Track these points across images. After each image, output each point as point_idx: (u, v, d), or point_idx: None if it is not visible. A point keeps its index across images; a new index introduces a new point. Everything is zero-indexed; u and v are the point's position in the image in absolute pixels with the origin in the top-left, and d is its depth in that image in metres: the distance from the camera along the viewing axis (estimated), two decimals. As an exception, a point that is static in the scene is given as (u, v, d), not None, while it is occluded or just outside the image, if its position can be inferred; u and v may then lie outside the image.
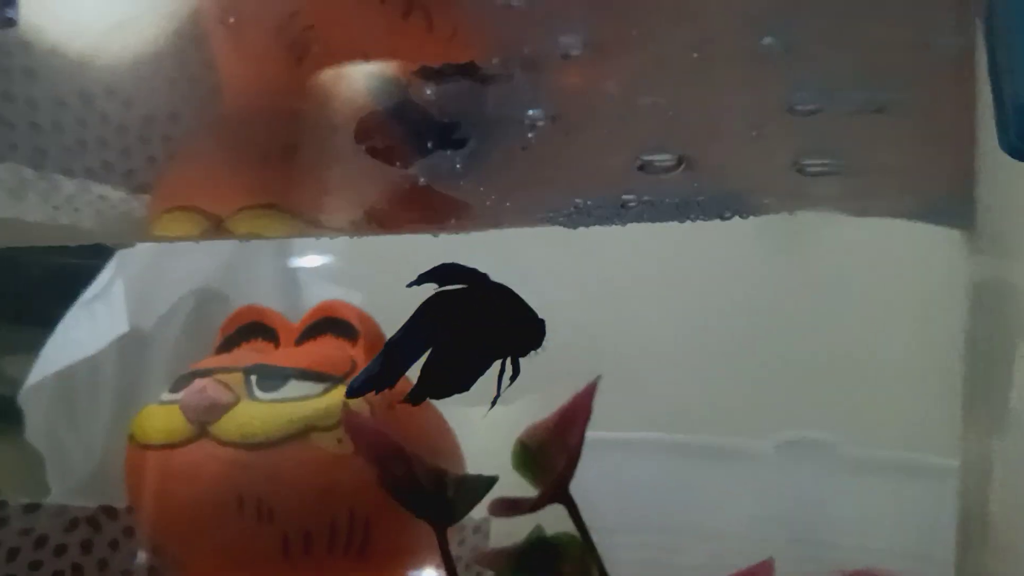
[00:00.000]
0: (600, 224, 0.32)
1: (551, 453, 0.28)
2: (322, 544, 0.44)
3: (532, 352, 0.30)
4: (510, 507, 0.29)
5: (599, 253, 0.35)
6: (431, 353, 0.31)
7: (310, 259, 0.60)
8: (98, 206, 0.47)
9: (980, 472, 0.28)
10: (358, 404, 0.40)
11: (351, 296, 0.53)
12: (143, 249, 0.57)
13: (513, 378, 0.30)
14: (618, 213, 0.31)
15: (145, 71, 0.42)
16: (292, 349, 0.49)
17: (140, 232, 0.46)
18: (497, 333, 0.29)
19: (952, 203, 0.29)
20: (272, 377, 0.45)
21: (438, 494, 0.31)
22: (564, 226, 0.32)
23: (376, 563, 0.45)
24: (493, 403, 0.30)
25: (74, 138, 0.44)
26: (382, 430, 0.32)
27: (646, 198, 0.30)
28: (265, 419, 0.44)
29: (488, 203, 0.33)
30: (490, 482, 0.31)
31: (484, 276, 0.31)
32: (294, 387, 0.45)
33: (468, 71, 0.30)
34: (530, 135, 0.28)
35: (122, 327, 0.53)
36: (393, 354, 0.31)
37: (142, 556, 0.48)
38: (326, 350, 0.48)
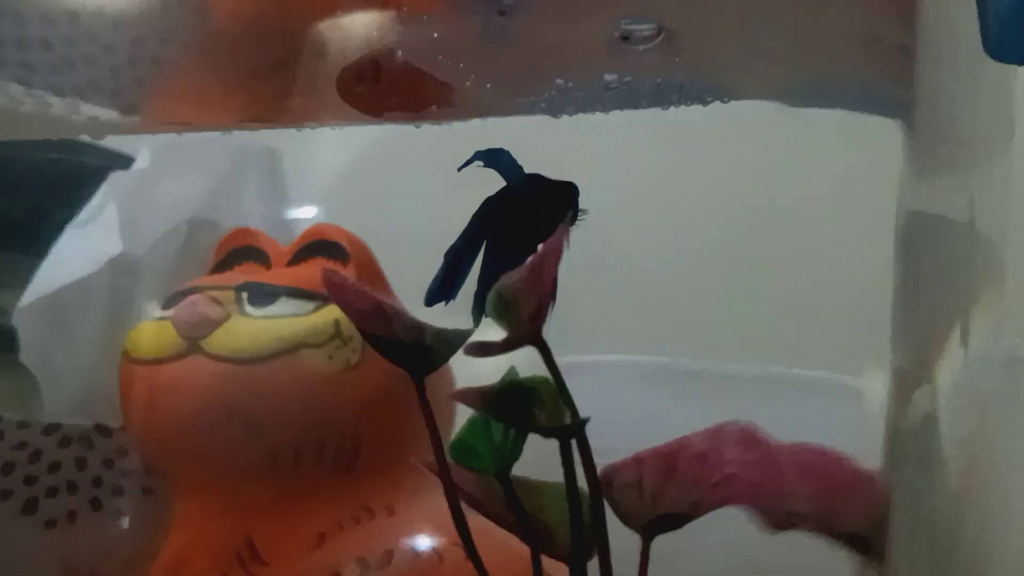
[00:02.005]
0: (583, 111, 0.32)
1: (523, 298, 0.29)
2: (310, 459, 0.45)
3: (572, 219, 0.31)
4: (482, 348, 0.30)
5: (583, 149, 0.35)
6: (485, 251, 0.32)
7: (302, 190, 0.61)
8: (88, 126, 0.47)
9: (908, 390, 0.29)
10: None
11: (347, 226, 0.53)
12: (135, 173, 0.57)
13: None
14: (600, 98, 0.31)
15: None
16: (283, 270, 0.49)
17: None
18: (539, 217, 0.30)
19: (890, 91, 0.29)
20: (263, 294, 0.46)
21: (416, 343, 0.31)
22: (547, 114, 0.32)
23: (364, 480, 0.46)
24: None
25: (62, 56, 0.44)
26: (360, 287, 0.32)
27: (627, 79, 0.30)
28: (255, 335, 0.44)
29: (468, 84, 0.33)
30: (467, 333, 0.31)
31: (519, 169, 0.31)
32: (285, 304, 0.46)
33: None
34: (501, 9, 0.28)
35: (115, 248, 0.53)
36: (452, 261, 0.32)
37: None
38: (317, 270, 0.48)
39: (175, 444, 0.45)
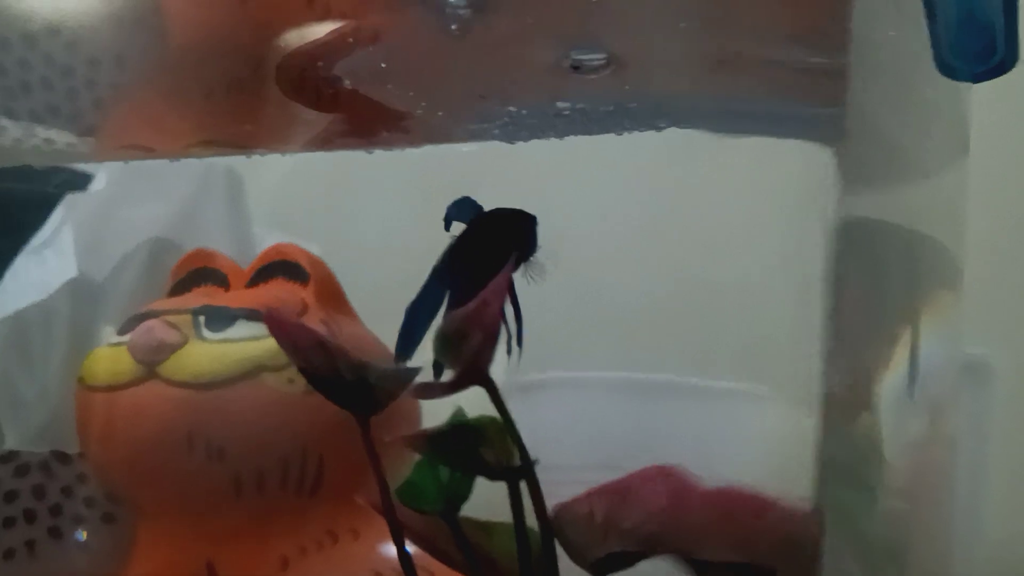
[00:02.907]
0: (537, 137, 0.32)
1: (469, 337, 0.28)
2: (274, 483, 0.44)
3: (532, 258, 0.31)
4: (428, 390, 0.29)
5: (540, 174, 0.35)
6: (448, 302, 0.32)
7: (266, 211, 0.60)
8: (45, 149, 0.47)
9: (840, 408, 0.29)
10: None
11: (308, 247, 0.53)
12: (92, 196, 0.56)
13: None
14: (553, 124, 0.31)
15: (89, 12, 0.42)
16: (242, 291, 0.49)
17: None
18: (500, 255, 0.30)
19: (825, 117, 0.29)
20: (221, 317, 0.45)
21: (360, 382, 0.31)
22: (501, 140, 0.32)
23: (328, 503, 0.45)
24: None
25: (17, 80, 0.44)
26: (302, 323, 0.32)
27: (580, 105, 0.30)
28: (214, 358, 0.44)
29: (419, 111, 0.33)
30: (413, 372, 0.31)
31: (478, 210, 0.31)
32: (243, 327, 0.45)
33: None
34: (453, 26, 0.27)
35: (71, 271, 0.52)
36: (410, 315, 0.32)
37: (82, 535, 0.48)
38: (276, 292, 0.48)
39: (134, 471, 0.44)
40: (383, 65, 0.31)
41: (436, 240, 0.35)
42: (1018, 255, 0.52)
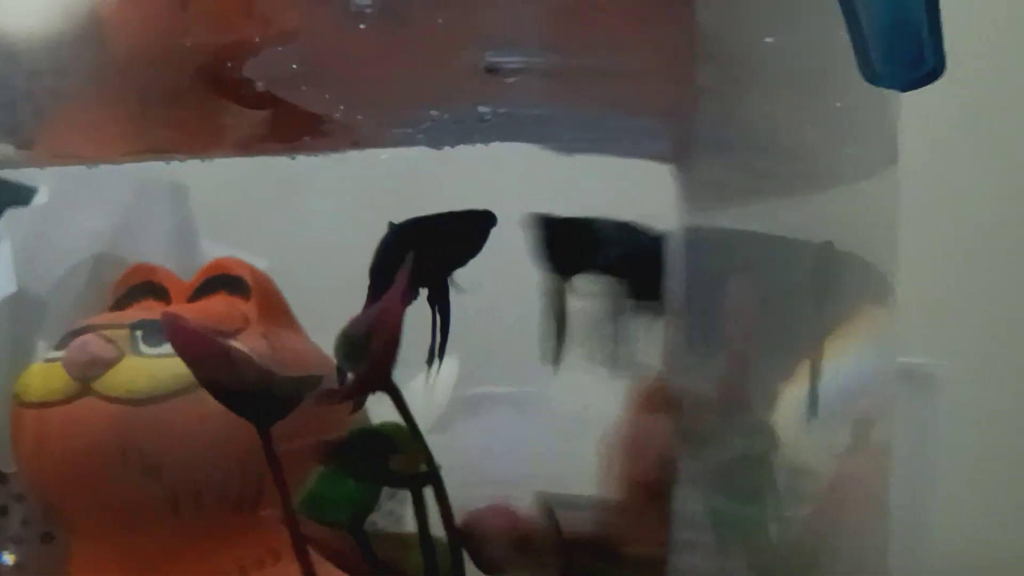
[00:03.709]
0: (463, 143, 0.31)
1: (371, 341, 0.28)
2: (213, 500, 0.43)
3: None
4: (330, 396, 0.29)
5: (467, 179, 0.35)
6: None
7: (211, 223, 0.60)
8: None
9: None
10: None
11: (255, 261, 0.52)
12: (31, 210, 0.55)
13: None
14: (478, 128, 0.31)
15: (28, 24, 0.41)
16: (183, 306, 0.48)
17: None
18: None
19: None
20: (158, 332, 0.44)
21: (262, 392, 0.30)
22: (427, 145, 0.32)
23: (271, 520, 0.45)
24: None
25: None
26: (201, 331, 0.31)
27: (503, 110, 0.30)
28: (151, 373, 0.43)
29: (338, 114, 0.33)
30: (316, 380, 0.30)
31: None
32: (182, 342, 0.44)
33: None
34: (361, 25, 0.27)
35: (9, 287, 0.51)
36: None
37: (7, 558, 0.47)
38: (217, 307, 0.47)
39: (67, 488, 0.43)
40: (294, 67, 0.30)
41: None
42: (957, 262, 0.52)
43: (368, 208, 0.35)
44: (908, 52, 0.30)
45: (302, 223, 0.51)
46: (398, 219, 0.32)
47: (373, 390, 0.29)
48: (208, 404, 0.43)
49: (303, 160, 0.42)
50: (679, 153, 0.27)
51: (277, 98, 0.32)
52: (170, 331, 0.32)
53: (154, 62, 0.41)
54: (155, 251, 0.55)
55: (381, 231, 0.32)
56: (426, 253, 0.29)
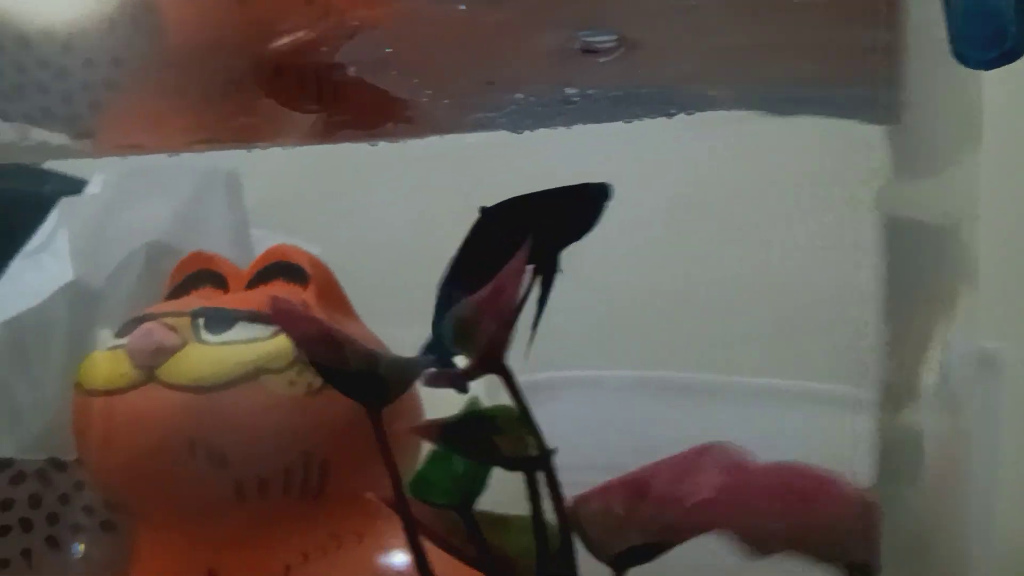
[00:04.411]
0: (544, 126, 0.31)
1: (484, 324, 0.27)
2: (277, 488, 0.43)
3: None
4: (442, 378, 0.28)
5: (548, 163, 0.35)
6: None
7: (264, 212, 0.60)
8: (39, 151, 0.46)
9: (900, 403, 0.28)
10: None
11: (309, 248, 0.52)
12: (89, 199, 0.55)
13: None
14: (561, 111, 0.30)
15: (84, 14, 0.41)
16: (242, 293, 0.48)
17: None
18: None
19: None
20: (220, 320, 0.44)
21: (370, 373, 0.30)
22: (508, 130, 0.31)
23: (332, 507, 0.45)
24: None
25: (11, 83, 0.43)
26: (309, 314, 0.31)
27: (590, 91, 0.29)
28: (214, 361, 0.43)
29: (424, 98, 0.32)
30: (425, 362, 0.30)
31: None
32: (243, 330, 0.44)
33: None
34: (462, 6, 0.27)
35: (67, 275, 0.51)
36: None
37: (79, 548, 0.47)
38: (276, 293, 0.47)
39: (133, 478, 0.43)
40: (388, 51, 0.30)
41: (439, 237, 0.34)
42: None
43: (434, 195, 0.35)
44: (987, 30, 0.29)
45: (362, 212, 0.51)
46: (471, 205, 0.32)
47: (485, 372, 0.28)
48: (271, 392, 0.43)
49: (364, 149, 0.42)
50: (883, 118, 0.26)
51: (361, 85, 0.32)
52: (276, 312, 0.31)
53: (214, 51, 0.41)
54: (209, 241, 0.55)
55: (455, 217, 0.32)
56: (537, 231, 0.29)
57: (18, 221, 0.54)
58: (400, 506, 0.30)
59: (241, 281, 0.49)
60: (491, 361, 0.28)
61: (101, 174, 0.55)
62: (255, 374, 0.43)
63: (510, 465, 0.29)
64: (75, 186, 0.59)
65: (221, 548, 0.43)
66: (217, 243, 0.55)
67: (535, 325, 0.30)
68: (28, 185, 0.57)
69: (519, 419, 0.28)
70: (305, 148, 0.48)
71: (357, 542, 0.44)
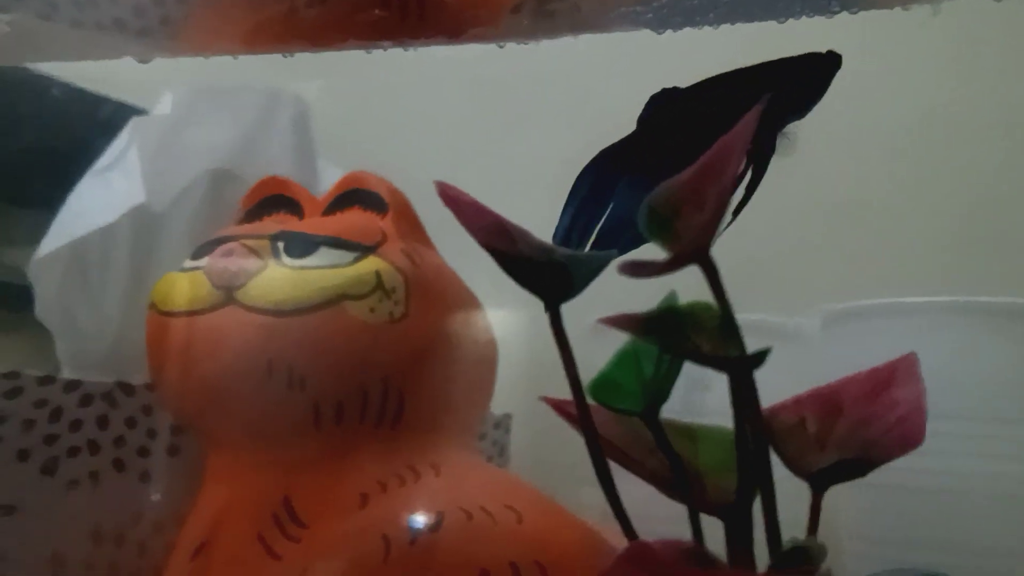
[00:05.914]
0: (690, 25, 0.29)
1: (687, 210, 0.25)
2: (354, 414, 0.43)
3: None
4: (641, 268, 0.26)
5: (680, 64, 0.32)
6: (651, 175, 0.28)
7: (331, 140, 0.58)
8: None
9: None
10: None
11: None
12: (158, 120, 0.54)
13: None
14: (711, 8, 0.28)
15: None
16: (319, 219, 0.47)
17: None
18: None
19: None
20: (301, 243, 0.43)
21: (549, 263, 0.28)
22: (650, 28, 0.29)
23: (409, 437, 0.44)
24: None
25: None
26: (477, 202, 0.28)
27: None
28: (295, 285, 0.42)
29: None
30: (610, 255, 0.28)
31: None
32: (324, 255, 0.43)
33: None
34: None
35: (138, 197, 0.50)
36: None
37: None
38: (355, 220, 0.46)
39: (211, 398, 0.43)
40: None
41: (507, 161, 0.32)
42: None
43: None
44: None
45: (426, 147, 0.49)
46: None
47: (688, 263, 0.26)
48: (352, 319, 0.42)
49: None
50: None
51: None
52: (445, 197, 0.29)
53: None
54: (275, 168, 0.54)
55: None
56: (749, 105, 0.26)
57: (88, 139, 0.53)
58: (581, 411, 0.28)
59: (317, 207, 0.48)
60: (697, 251, 0.25)
61: (170, 94, 0.54)
62: (337, 299, 0.42)
63: (711, 363, 0.26)
64: (131, 114, 0.58)
65: (296, 474, 0.42)
66: (283, 169, 0.53)
67: (736, 212, 0.28)
68: (92, 108, 0.56)
69: (719, 317, 0.26)
70: (378, 81, 0.46)
71: (435, 475, 0.43)
